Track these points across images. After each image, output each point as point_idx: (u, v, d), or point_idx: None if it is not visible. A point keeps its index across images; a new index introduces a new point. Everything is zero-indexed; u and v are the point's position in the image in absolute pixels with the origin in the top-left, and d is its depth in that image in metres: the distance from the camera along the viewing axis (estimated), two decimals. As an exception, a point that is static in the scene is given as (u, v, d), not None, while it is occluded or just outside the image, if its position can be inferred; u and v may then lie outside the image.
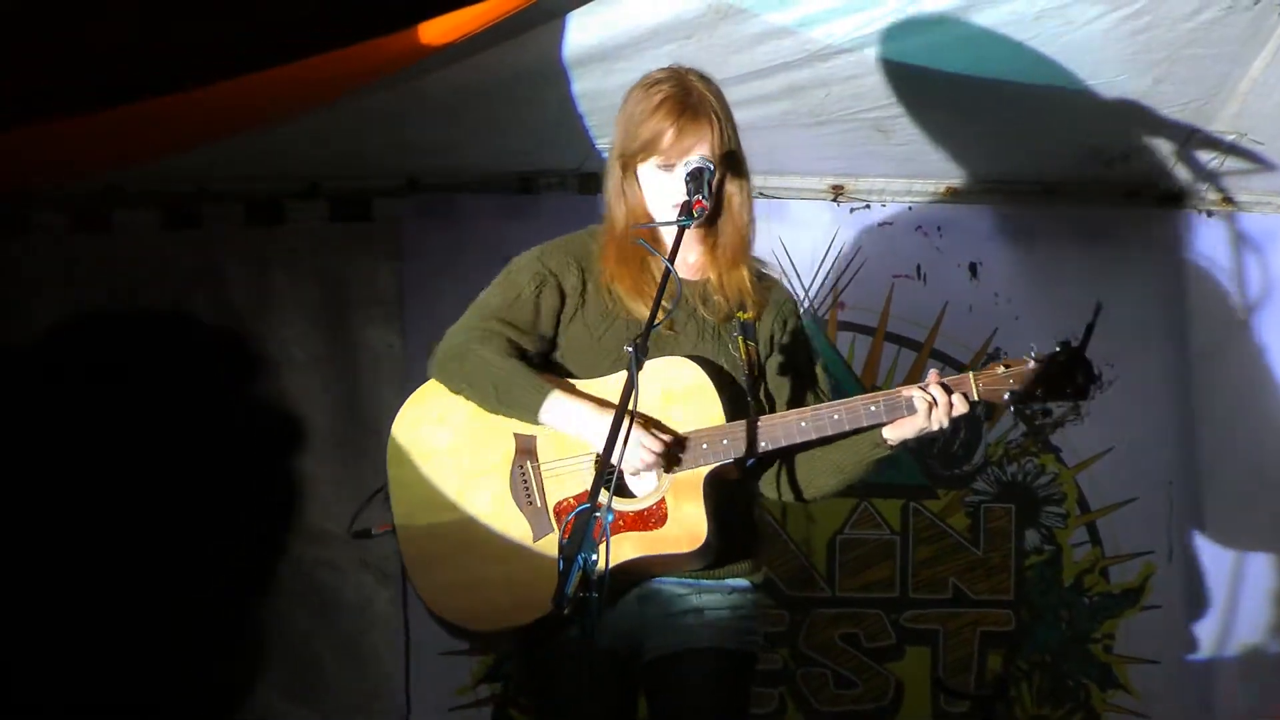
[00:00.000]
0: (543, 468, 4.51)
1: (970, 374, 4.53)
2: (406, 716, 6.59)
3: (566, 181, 6.61)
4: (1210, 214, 6.91)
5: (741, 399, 4.55)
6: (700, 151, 4.45)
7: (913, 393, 4.48)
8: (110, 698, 6.46)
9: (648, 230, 4.52)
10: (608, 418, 4.26)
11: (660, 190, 4.48)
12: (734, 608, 4.59)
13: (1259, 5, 5.59)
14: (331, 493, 6.58)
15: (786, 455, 4.63)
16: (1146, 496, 6.89)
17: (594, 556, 3.94)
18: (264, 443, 6.66)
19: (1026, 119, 6.28)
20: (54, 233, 6.57)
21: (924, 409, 4.47)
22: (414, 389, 4.62)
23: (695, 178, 4.41)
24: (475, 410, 4.53)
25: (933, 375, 4.52)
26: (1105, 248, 6.87)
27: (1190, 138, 6.45)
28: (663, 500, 4.46)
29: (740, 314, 4.62)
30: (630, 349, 4.18)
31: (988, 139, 6.49)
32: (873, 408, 4.49)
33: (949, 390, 4.50)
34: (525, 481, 4.51)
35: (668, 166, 4.47)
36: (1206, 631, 6.90)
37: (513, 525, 4.47)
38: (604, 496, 4.04)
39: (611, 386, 4.45)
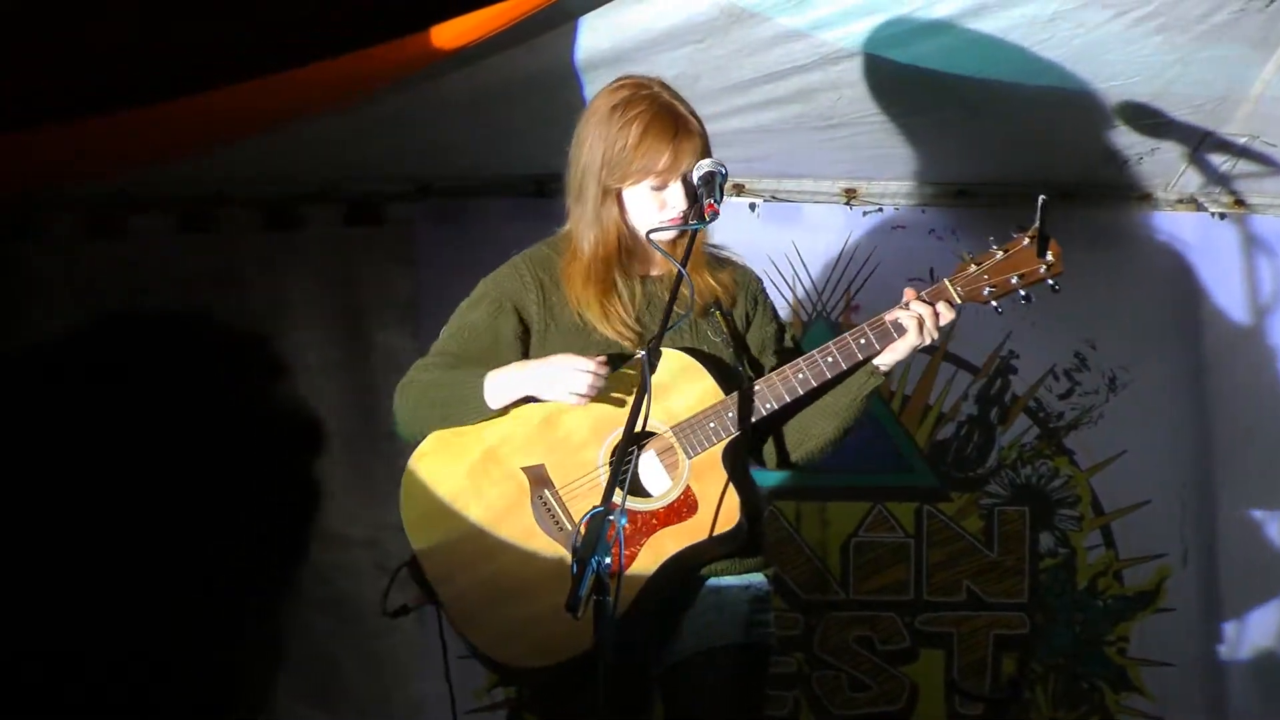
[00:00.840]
0: (561, 492, 4.51)
1: (945, 280, 4.56)
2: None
3: (580, 185, 6.61)
4: (1223, 216, 6.90)
5: (731, 373, 4.57)
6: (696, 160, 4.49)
7: (897, 314, 4.51)
8: (122, 703, 6.46)
9: (643, 238, 4.56)
10: (542, 363, 4.42)
11: (655, 206, 4.52)
12: (750, 600, 4.60)
13: (1271, 7, 5.59)
14: (346, 497, 6.58)
15: (780, 419, 4.63)
16: (1160, 499, 6.88)
17: (607, 559, 3.95)
18: (282, 446, 6.67)
19: (1039, 122, 6.28)
20: (69, 237, 6.58)
21: (914, 326, 4.49)
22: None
23: (708, 181, 4.44)
24: (474, 459, 4.55)
25: (909, 293, 4.53)
26: (1118, 250, 6.87)
27: (1203, 140, 6.45)
28: (688, 489, 4.47)
29: (716, 306, 4.65)
30: (642, 354, 4.21)
31: (1000, 142, 6.48)
32: (862, 340, 4.51)
33: (930, 302, 4.51)
34: (549, 510, 4.51)
35: (662, 186, 4.50)
36: (1221, 634, 6.89)
37: (549, 555, 4.47)
38: (618, 496, 4.06)
39: (594, 407, 4.47)
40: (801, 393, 4.51)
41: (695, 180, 4.46)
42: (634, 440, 4.27)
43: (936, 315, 4.51)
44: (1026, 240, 4.60)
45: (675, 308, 4.38)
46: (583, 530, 4.11)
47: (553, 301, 4.60)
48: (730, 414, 4.48)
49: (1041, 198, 4.53)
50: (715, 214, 4.40)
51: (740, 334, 4.68)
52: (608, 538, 3.97)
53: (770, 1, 5.52)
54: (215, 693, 6.58)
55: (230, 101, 5.32)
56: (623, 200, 4.56)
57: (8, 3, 4.57)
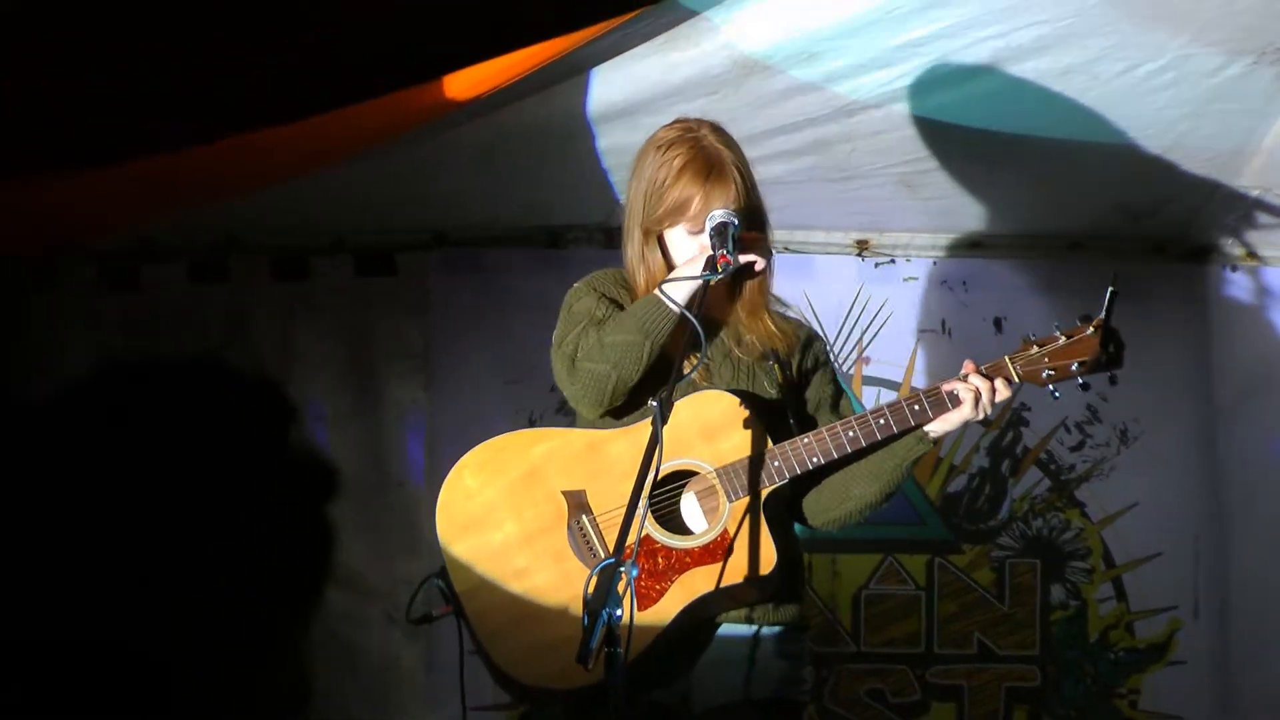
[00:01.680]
0: (599, 519, 4.51)
1: (1006, 357, 4.53)
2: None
3: (593, 235, 6.61)
4: (1235, 268, 6.89)
5: (782, 423, 4.54)
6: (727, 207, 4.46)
7: (955, 385, 4.47)
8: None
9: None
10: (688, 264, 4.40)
11: (695, 251, 4.49)
12: (788, 656, 4.59)
13: (1283, 61, 5.60)
14: (354, 546, 6.56)
15: (820, 477, 4.61)
16: (1172, 552, 6.86)
17: (618, 612, 3.94)
18: (295, 496, 6.65)
19: (1052, 174, 6.29)
20: (82, 288, 6.59)
21: (970, 399, 4.45)
22: (439, 443, 4.65)
23: (719, 233, 4.41)
24: (516, 476, 4.54)
25: (968, 365, 4.50)
26: (1130, 302, 6.81)
27: (1215, 192, 6.45)
28: (725, 531, 4.46)
29: (773, 356, 4.63)
30: (655, 403, 4.20)
31: (1013, 193, 6.49)
32: (916, 406, 4.48)
33: (989, 377, 4.49)
34: (584, 535, 4.50)
35: (697, 231, 4.48)
36: (1232, 687, 6.86)
37: (580, 581, 4.45)
38: (634, 530, 4.05)
39: (640, 437, 4.40)
40: (850, 450, 4.48)
41: (708, 231, 4.44)
42: (652, 488, 4.25)
43: (994, 391, 4.48)
44: (1090, 330, 4.58)
45: (691, 357, 4.38)
46: (593, 582, 4.09)
47: None
48: (776, 463, 4.46)
49: (1110, 289, 4.51)
50: (728, 265, 4.36)
51: (796, 386, 4.67)
52: (619, 589, 3.96)
53: (783, 54, 5.53)
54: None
55: (242, 152, 5.33)
56: (665, 243, 4.56)
57: (27, 57, 4.57)
